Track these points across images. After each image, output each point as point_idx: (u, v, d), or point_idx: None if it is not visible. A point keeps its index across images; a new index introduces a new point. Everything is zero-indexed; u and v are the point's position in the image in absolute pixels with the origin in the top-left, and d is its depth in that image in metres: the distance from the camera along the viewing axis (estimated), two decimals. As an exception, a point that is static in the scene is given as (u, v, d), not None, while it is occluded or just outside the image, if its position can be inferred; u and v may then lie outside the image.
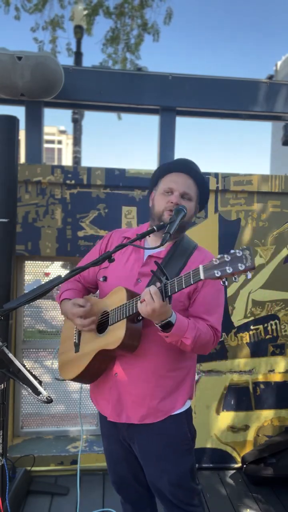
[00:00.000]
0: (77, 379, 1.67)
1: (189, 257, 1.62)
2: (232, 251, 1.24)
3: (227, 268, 1.23)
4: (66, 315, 1.70)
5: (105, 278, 1.68)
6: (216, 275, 1.24)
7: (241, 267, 1.20)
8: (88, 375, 1.66)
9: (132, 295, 1.51)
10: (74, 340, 1.72)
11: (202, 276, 1.27)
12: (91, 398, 1.78)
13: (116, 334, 1.51)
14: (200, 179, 1.66)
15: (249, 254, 1.20)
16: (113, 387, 1.63)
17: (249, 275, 1.25)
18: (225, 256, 1.24)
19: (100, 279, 1.70)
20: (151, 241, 1.69)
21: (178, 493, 1.64)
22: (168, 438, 1.62)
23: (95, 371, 1.65)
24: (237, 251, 1.22)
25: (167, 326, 1.41)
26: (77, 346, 1.71)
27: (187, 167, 1.65)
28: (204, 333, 1.50)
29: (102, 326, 1.63)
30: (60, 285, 1.55)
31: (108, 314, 1.58)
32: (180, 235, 1.66)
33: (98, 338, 1.60)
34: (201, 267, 1.28)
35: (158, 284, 1.37)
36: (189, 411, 1.69)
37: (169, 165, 1.69)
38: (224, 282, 1.27)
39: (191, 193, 1.63)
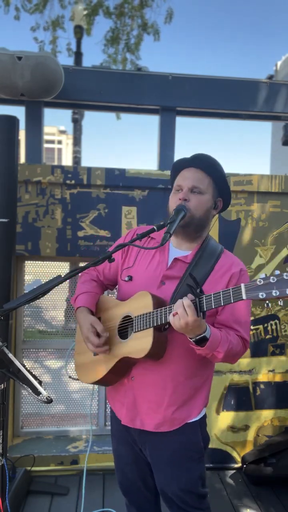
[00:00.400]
0: (96, 383, 1.65)
1: (216, 261, 1.57)
2: (277, 272, 1.20)
3: (273, 291, 1.18)
4: (81, 328, 1.62)
5: (130, 278, 1.63)
6: (261, 297, 1.20)
7: (286, 291, 1.16)
8: (108, 380, 1.63)
9: (158, 302, 1.46)
10: None
11: (244, 297, 1.23)
12: (107, 398, 1.75)
13: (142, 343, 1.46)
14: (212, 169, 1.58)
15: None
16: (128, 391, 1.60)
17: None
18: (271, 278, 1.19)
19: (125, 279, 1.64)
20: (175, 242, 1.64)
21: (187, 498, 1.62)
22: (180, 446, 1.59)
23: (115, 377, 1.61)
24: (285, 274, 1.18)
25: (201, 341, 1.36)
26: None
27: (196, 161, 1.59)
28: (235, 345, 1.46)
29: (124, 330, 1.58)
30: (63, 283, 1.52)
31: (130, 319, 1.54)
32: (201, 233, 1.61)
33: (120, 344, 1.55)
34: (243, 286, 1.24)
35: (191, 297, 1.31)
36: (203, 418, 1.65)
37: (181, 161, 1.64)
38: (267, 305, 1.22)
39: (202, 186, 1.55)
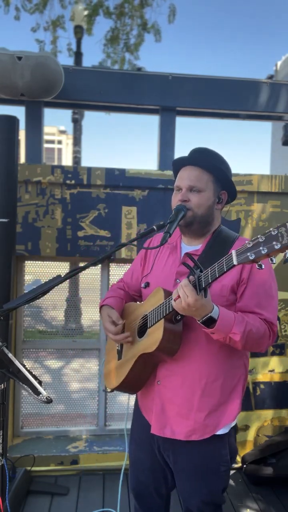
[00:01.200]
0: (121, 387, 1.61)
1: (230, 248, 1.50)
2: (267, 230, 1.14)
3: (261, 249, 1.13)
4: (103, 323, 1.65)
5: (147, 284, 1.63)
6: (250, 258, 1.14)
7: (276, 245, 1.10)
8: (131, 383, 1.58)
9: (169, 294, 1.44)
10: (117, 348, 1.68)
11: (235, 261, 1.18)
12: (139, 405, 1.71)
13: (154, 336, 1.44)
14: (209, 165, 1.54)
15: (286, 231, 1.09)
16: (156, 397, 1.55)
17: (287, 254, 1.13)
18: (259, 236, 1.14)
19: (142, 286, 1.65)
20: (186, 241, 1.63)
21: (206, 509, 1.59)
22: (207, 460, 1.54)
23: (138, 378, 1.57)
24: (272, 229, 1.12)
25: (210, 322, 1.32)
26: (119, 353, 1.67)
27: (193, 159, 1.56)
28: (256, 327, 1.39)
29: (142, 329, 1.58)
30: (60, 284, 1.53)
31: (147, 317, 1.54)
32: (209, 228, 1.58)
33: (138, 343, 1.55)
34: (233, 252, 1.19)
35: (192, 278, 1.29)
36: (233, 430, 1.59)
37: (178, 160, 1.62)
38: (260, 266, 1.15)
39: (200, 184, 1.52)
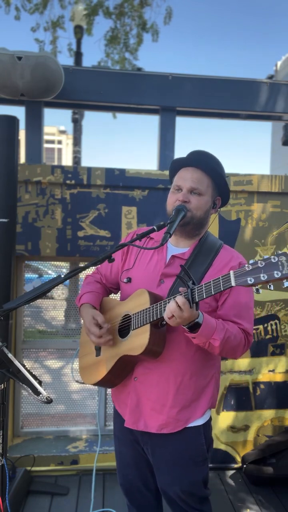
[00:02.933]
0: (98, 384, 1.65)
1: (215, 256, 1.56)
2: (266, 256, 1.18)
3: (261, 275, 1.15)
4: (84, 323, 1.65)
5: (129, 279, 1.64)
6: (249, 282, 1.17)
7: (277, 274, 1.13)
8: (110, 381, 1.62)
9: (155, 298, 1.47)
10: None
11: (233, 283, 1.21)
12: (112, 399, 1.75)
13: (139, 339, 1.47)
14: (211, 170, 1.57)
15: (286, 261, 1.13)
16: (132, 392, 1.59)
17: (286, 283, 1.16)
18: (259, 262, 1.17)
19: (124, 281, 1.66)
20: (174, 241, 1.64)
21: (189, 500, 1.61)
22: (183, 448, 1.58)
23: (117, 377, 1.61)
24: (272, 257, 1.16)
25: (194, 327, 1.36)
26: (98, 350, 1.67)
27: (196, 161, 1.58)
28: (234, 335, 1.44)
29: (124, 329, 1.59)
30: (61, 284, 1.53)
31: (130, 318, 1.55)
32: (200, 231, 1.61)
33: (120, 343, 1.56)
34: (232, 273, 1.22)
35: (183, 289, 1.32)
36: (208, 422, 1.64)
37: (180, 160, 1.63)
38: (257, 290, 1.19)
39: (201, 187, 1.55)
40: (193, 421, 1.57)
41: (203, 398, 1.59)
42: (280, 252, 1.15)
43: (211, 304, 1.52)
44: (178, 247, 1.63)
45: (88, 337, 1.69)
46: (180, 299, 1.30)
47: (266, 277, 1.14)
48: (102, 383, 1.64)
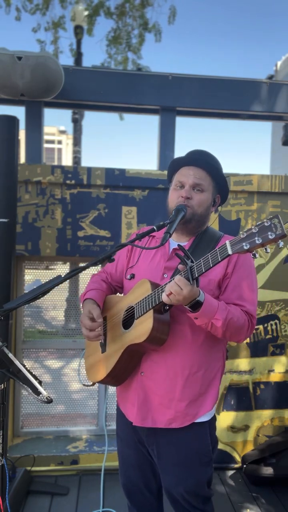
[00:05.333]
0: (105, 380, 1.63)
1: (216, 244, 1.58)
2: (259, 222, 1.19)
3: (256, 239, 1.17)
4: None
5: (132, 276, 1.66)
6: (245, 247, 1.19)
7: (271, 235, 1.15)
8: (117, 375, 1.61)
9: (156, 286, 1.48)
10: (101, 341, 1.69)
11: (230, 251, 1.23)
12: (117, 402, 1.75)
13: (143, 326, 1.47)
14: (212, 168, 1.60)
15: (278, 222, 1.15)
16: (139, 388, 1.59)
17: (281, 243, 1.19)
18: (253, 228, 1.19)
19: (128, 277, 1.68)
20: (175, 237, 1.66)
21: (193, 500, 1.61)
22: (189, 448, 1.58)
23: (124, 369, 1.60)
24: (265, 220, 1.18)
25: (196, 306, 1.36)
26: (103, 346, 1.68)
27: (197, 160, 1.61)
28: (237, 316, 1.44)
29: (128, 322, 1.59)
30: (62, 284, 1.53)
31: (133, 309, 1.56)
32: (201, 228, 1.63)
33: (125, 334, 1.57)
34: (227, 242, 1.24)
35: (182, 267, 1.33)
36: (213, 419, 1.64)
37: (180, 159, 1.65)
38: (254, 255, 1.22)
39: (204, 184, 1.58)
40: (200, 416, 1.57)
41: (210, 391, 1.59)
42: (271, 216, 1.18)
43: (215, 292, 1.52)
44: (180, 241, 1.65)
45: None
46: (177, 277, 1.32)
47: (261, 240, 1.17)
48: (109, 378, 1.62)
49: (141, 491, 1.74)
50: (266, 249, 1.20)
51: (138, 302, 1.52)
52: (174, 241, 1.66)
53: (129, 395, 1.64)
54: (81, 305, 1.72)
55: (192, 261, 1.33)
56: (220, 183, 1.64)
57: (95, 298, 1.68)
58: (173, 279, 1.34)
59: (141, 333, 1.47)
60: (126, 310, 1.61)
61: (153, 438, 1.61)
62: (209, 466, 1.63)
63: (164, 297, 1.36)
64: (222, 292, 1.53)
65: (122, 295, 1.75)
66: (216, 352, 1.59)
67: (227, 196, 1.69)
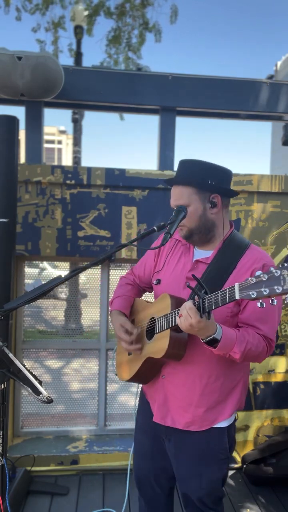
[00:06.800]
0: (131, 381, 1.72)
1: (239, 258, 1.55)
2: (271, 268, 1.16)
3: (263, 289, 1.14)
4: (114, 330, 1.73)
5: (158, 281, 1.69)
6: (252, 296, 1.16)
7: (278, 289, 1.12)
8: (140, 379, 1.70)
9: (176, 302, 1.50)
10: None
11: (237, 296, 1.21)
12: (144, 392, 1.81)
13: (161, 343, 1.52)
14: (187, 179, 1.57)
15: (287, 275, 1.11)
16: (160, 389, 1.65)
17: (287, 298, 1.17)
18: (262, 275, 1.16)
19: (154, 282, 1.72)
20: (199, 248, 1.66)
21: (205, 499, 1.63)
22: (206, 446, 1.61)
23: (146, 375, 1.68)
24: (276, 270, 1.14)
25: (213, 342, 1.37)
26: None
27: (176, 178, 1.60)
28: (255, 346, 1.44)
29: (151, 330, 1.66)
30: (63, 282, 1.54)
31: (154, 320, 1.62)
32: (213, 233, 1.61)
33: (147, 345, 1.65)
34: (236, 285, 1.22)
35: (196, 299, 1.33)
36: (233, 424, 1.66)
37: (167, 182, 1.66)
38: (262, 304, 1.17)
39: (182, 201, 1.56)
40: (219, 422, 1.60)
41: (230, 400, 1.60)
42: (284, 265, 1.13)
43: (233, 309, 1.52)
44: (203, 249, 1.64)
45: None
46: (188, 303, 1.33)
47: (267, 291, 1.14)
48: (133, 380, 1.71)
49: (151, 485, 1.79)
50: (272, 300, 1.15)
51: (159, 317, 1.57)
52: (198, 250, 1.65)
53: (153, 392, 1.71)
54: (110, 313, 1.80)
55: (205, 292, 1.32)
56: (209, 185, 1.56)
57: (122, 309, 1.76)
58: (185, 303, 1.35)
59: (158, 349, 1.53)
60: (150, 320, 1.67)
61: (170, 433, 1.65)
62: (225, 464, 1.65)
63: (178, 320, 1.38)
64: (242, 311, 1.52)
65: (149, 301, 1.80)
66: (237, 364, 1.57)
67: (228, 190, 1.62)
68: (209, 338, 1.36)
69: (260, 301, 1.17)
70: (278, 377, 3.00)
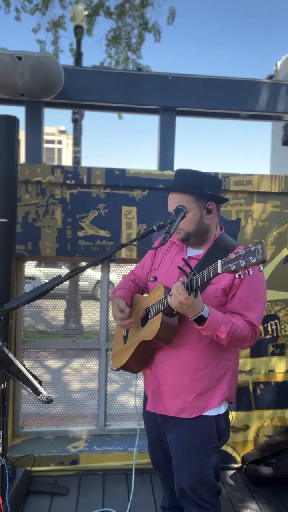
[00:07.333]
0: (124, 368, 1.84)
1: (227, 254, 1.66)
2: (248, 246, 1.31)
3: (240, 261, 1.30)
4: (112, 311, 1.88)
5: (155, 278, 1.83)
6: (232, 268, 1.32)
7: (252, 260, 1.28)
8: (133, 365, 1.82)
9: (169, 291, 1.61)
10: (124, 334, 1.91)
11: (219, 270, 1.36)
12: (144, 384, 1.94)
13: (153, 326, 1.66)
14: (189, 187, 1.69)
15: (261, 248, 1.28)
16: (153, 377, 1.78)
17: (261, 267, 1.32)
18: (240, 251, 1.32)
19: (151, 279, 1.86)
20: (193, 247, 1.80)
21: (198, 488, 1.71)
22: (195, 435, 1.71)
23: (139, 361, 1.80)
24: (251, 245, 1.30)
25: (200, 320, 1.50)
26: (125, 338, 1.89)
27: (174, 186, 1.73)
28: (240, 328, 1.57)
29: (145, 320, 1.79)
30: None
31: (149, 310, 1.76)
32: (206, 236, 1.75)
33: (140, 331, 1.79)
34: (219, 262, 1.37)
35: (185, 279, 1.48)
36: (223, 415, 1.74)
37: (167, 188, 1.78)
38: (239, 276, 1.34)
39: (184, 206, 1.67)
40: (209, 410, 1.70)
41: (219, 388, 1.71)
42: (258, 241, 1.31)
43: (221, 298, 1.66)
44: (195, 249, 1.79)
45: (119, 329, 1.97)
46: (177, 282, 1.49)
47: (244, 263, 1.30)
48: (126, 366, 1.83)
49: (165, 465, 1.91)
50: (249, 271, 1.31)
51: (153, 304, 1.71)
52: (191, 249, 1.80)
53: (147, 382, 1.85)
54: (111, 301, 1.93)
55: (194, 274, 1.46)
56: (204, 193, 1.70)
57: (122, 296, 1.89)
58: (175, 283, 1.49)
59: (151, 331, 1.67)
60: (145, 310, 1.80)
61: (165, 421, 1.77)
62: (215, 453, 1.73)
63: (169, 299, 1.51)
64: (229, 300, 1.66)
65: (146, 295, 1.94)
66: (225, 352, 1.71)
67: (220, 198, 1.77)
68: (197, 316, 1.49)
69: (239, 273, 1.34)
70: (278, 377, 3.00)
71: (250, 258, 1.28)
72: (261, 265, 1.30)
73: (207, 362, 1.68)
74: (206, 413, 1.69)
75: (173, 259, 1.81)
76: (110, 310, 3.02)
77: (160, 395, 1.75)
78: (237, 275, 1.35)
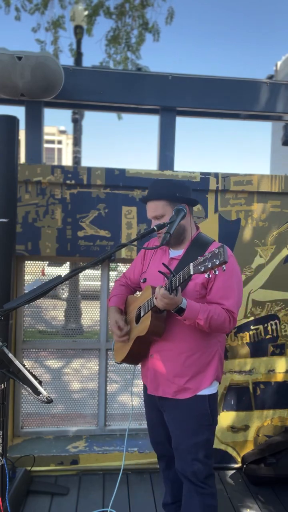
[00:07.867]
0: (124, 361, 2.05)
1: (205, 252, 1.83)
2: (212, 250, 1.51)
3: (207, 263, 1.50)
4: (110, 324, 2.10)
5: (144, 280, 2.05)
6: (201, 270, 1.52)
7: (216, 262, 1.48)
8: (132, 358, 2.03)
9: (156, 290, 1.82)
10: None
11: (191, 272, 1.55)
12: (141, 375, 2.12)
13: (145, 323, 1.87)
14: (158, 194, 1.87)
15: (222, 251, 1.47)
16: (150, 367, 1.99)
17: (224, 267, 1.50)
18: (207, 254, 1.52)
19: (141, 281, 2.07)
20: (174, 248, 1.98)
21: (196, 466, 1.90)
22: (190, 412, 1.91)
23: (137, 354, 2.01)
24: (216, 249, 1.50)
25: (180, 311, 1.71)
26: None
27: (148, 196, 1.92)
28: (217, 314, 1.76)
29: (139, 318, 1.98)
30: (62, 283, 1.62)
31: (141, 308, 1.96)
32: (183, 236, 1.93)
33: (135, 328, 1.99)
34: (191, 264, 1.56)
35: (166, 281, 1.68)
36: (213, 396, 1.96)
37: (142, 200, 1.98)
38: (209, 275, 1.52)
39: (158, 213, 1.88)
40: (201, 390, 1.91)
41: (208, 371, 1.93)
42: (221, 245, 1.51)
43: (201, 291, 1.85)
44: (176, 250, 1.98)
45: None
46: (158, 288, 1.69)
47: (210, 264, 1.49)
48: (126, 360, 2.03)
49: (166, 447, 2.10)
50: (215, 271, 1.49)
51: (143, 304, 1.92)
52: (173, 250, 1.98)
53: (145, 371, 2.05)
54: (108, 308, 2.16)
55: (173, 276, 1.65)
56: (175, 197, 1.86)
57: (118, 305, 2.12)
58: (158, 288, 1.69)
59: (143, 328, 1.88)
60: (137, 309, 2.00)
61: (163, 403, 1.98)
62: (208, 430, 1.94)
63: (154, 301, 1.72)
64: (208, 293, 1.85)
65: (139, 294, 2.14)
66: (211, 339, 1.92)
67: (191, 200, 1.92)
68: (176, 308, 1.70)
69: (208, 273, 1.51)
70: (278, 377, 3.00)
71: (214, 260, 1.47)
72: (223, 266, 1.48)
73: (196, 350, 1.90)
74: (200, 393, 1.91)
75: (159, 261, 1.99)
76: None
77: (158, 381, 1.96)
78: (206, 275, 1.52)
